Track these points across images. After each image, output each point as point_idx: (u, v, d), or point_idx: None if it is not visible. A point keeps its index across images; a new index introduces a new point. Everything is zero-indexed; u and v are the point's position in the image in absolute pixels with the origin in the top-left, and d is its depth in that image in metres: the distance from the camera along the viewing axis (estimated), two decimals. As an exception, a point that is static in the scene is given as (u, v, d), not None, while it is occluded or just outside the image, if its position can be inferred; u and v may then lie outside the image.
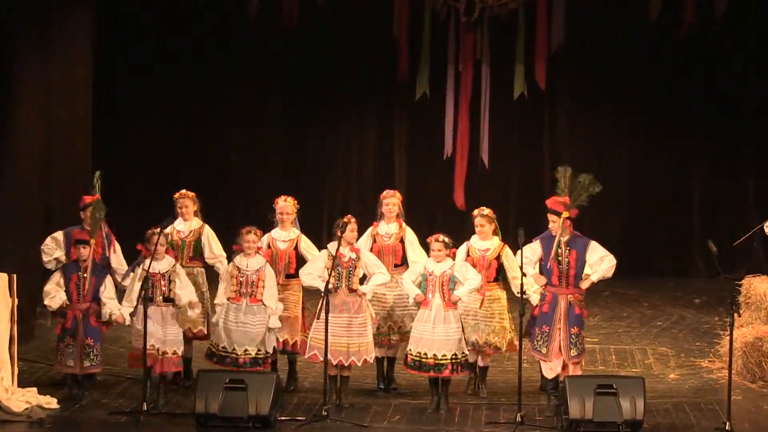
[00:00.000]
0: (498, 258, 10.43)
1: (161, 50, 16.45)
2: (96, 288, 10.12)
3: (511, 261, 10.42)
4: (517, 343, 10.28)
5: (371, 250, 10.53)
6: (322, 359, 10.03)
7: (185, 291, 10.19)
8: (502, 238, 10.53)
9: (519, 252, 9.89)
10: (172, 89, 16.49)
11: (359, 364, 10.20)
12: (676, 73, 16.47)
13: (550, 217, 10.09)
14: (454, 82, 15.85)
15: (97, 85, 13.91)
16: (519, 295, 9.80)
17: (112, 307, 10.12)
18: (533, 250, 10.14)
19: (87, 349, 10.07)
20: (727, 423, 9.52)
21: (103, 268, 10.29)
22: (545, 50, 15.79)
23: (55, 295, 10.07)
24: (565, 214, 9.99)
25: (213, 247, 10.74)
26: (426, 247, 10.42)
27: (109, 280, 10.21)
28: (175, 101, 16.53)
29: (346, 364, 10.14)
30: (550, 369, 10.12)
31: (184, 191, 10.83)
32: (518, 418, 9.59)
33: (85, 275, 10.09)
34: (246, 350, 10.22)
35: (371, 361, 10.31)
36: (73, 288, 10.07)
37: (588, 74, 16.54)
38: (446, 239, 10.15)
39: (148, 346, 9.88)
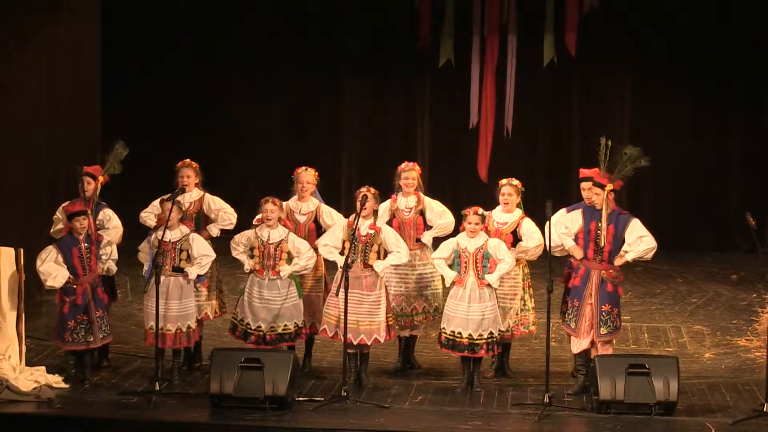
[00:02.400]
0: (514, 232, 10.38)
1: (172, 9, 16.43)
2: (97, 258, 10.15)
3: (527, 231, 10.31)
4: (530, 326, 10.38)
5: (391, 225, 10.48)
6: (331, 335, 10.06)
7: (203, 249, 10.20)
8: (524, 211, 10.47)
9: (547, 224, 9.84)
10: (186, 52, 16.49)
11: (369, 343, 10.15)
12: (715, 42, 16.26)
13: (593, 189, 9.98)
14: (479, 48, 15.75)
15: (106, 47, 13.85)
16: (548, 272, 9.73)
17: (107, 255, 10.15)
18: (573, 220, 10.06)
19: (98, 322, 10.10)
20: (766, 404, 9.46)
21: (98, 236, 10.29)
22: (576, 14, 15.67)
23: (57, 274, 9.99)
24: (609, 187, 9.91)
25: (216, 202, 10.67)
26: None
27: (104, 241, 10.23)
28: (190, 66, 16.53)
29: (355, 342, 10.09)
30: (576, 345, 10.08)
31: (187, 160, 10.74)
32: (546, 399, 9.54)
33: (85, 245, 10.08)
34: (272, 327, 10.20)
35: (382, 341, 10.26)
36: (77, 263, 10.05)
37: (621, 40, 16.39)
38: (484, 212, 10.11)
39: (165, 330, 9.96)
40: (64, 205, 10.49)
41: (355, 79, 16.91)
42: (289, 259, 10.25)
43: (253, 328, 10.24)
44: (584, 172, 10.25)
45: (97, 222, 10.48)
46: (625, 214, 10.06)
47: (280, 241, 10.22)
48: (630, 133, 15.91)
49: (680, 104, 16.61)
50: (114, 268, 10.34)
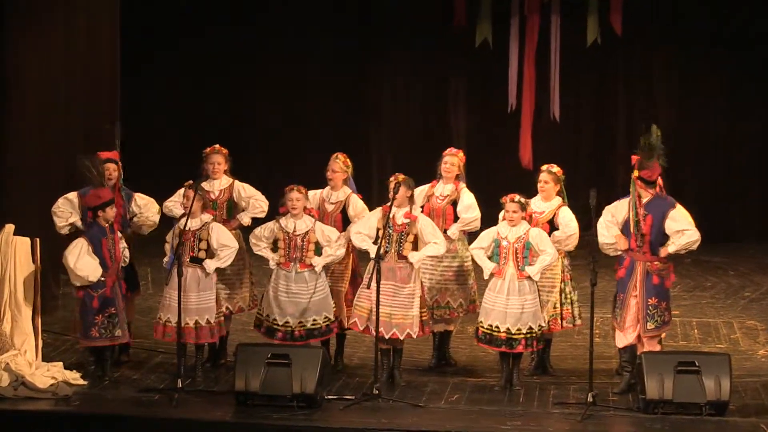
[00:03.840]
0: (552, 220, 10.27)
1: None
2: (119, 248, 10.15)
3: (563, 220, 10.23)
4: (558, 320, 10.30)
5: (422, 211, 10.39)
6: (361, 329, 10.00)
7: (223, 239, 10.12)
8: (566, 200, 10.37)
9: (595, 217, 9.73)
10: (207, 40, 16.51)
11: (402, 338, 10.06)
12: (763, 20, 16.11)
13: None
14: (518, 27, 15.66)
15: (124, 35, 13.87)
16: (591, 263, 9.60)
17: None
18: (619, 209, 9.94)
19: (122, 315, 10.05)
20: (824, 404, 9.41)
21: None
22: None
23: (94, 268, 9.87)
24: (635, 174, 9.82)
25: (247, 189, 10.62)
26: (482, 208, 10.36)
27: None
28: (211, 53, 16.57)
29: (387, 337, 10.00)
30: (620, 339, 9.98)
31: (216, 146, 10.70)
32: (590, 398, 9.46)
33: (113, 236, 10.02)
34: (300, 322, 10.13)
35: (415, 337, 10.15)
36: (107, 254, 9.98)
37: (668, 18, 16.30)
38: (522, 199, 9.99)
39: (183, 323, 9.88)
40: (71, 195, 10.46)
41: (383, 62, 16.88)
42: (317, 249, 10.15)
43: (280, 324, 10.16)
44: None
45: (133, 209, 10.56)
46: (667, 200, 9.90)
47: (307, 231, 10.14)
48: (678, 116, 15.79)
49: (728, 85, 16.49)
50: (127, 259, 10.29)
